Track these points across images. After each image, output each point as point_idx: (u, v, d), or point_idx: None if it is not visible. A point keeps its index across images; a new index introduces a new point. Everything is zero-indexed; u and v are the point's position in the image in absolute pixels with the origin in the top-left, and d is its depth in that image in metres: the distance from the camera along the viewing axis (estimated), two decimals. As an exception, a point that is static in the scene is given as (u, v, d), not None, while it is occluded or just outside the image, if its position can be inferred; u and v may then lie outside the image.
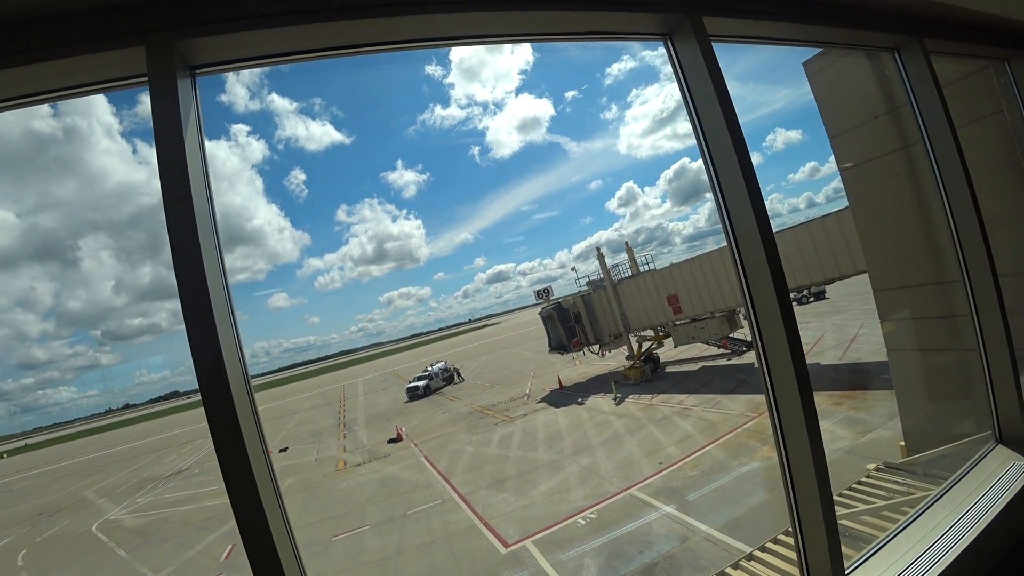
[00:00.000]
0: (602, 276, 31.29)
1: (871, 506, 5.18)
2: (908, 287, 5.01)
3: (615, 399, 25.19)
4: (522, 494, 15.95)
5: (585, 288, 33.29)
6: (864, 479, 5.88)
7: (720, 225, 2.40)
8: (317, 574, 13.37)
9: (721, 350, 28.33)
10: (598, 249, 31.68)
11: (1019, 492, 2.81)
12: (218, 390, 1.48)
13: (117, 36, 1.58)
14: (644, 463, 16.26)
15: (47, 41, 1.56)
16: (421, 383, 41.33)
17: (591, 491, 15.03)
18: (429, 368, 45.86)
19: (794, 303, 36.94)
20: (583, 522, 13.18)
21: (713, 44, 2.36)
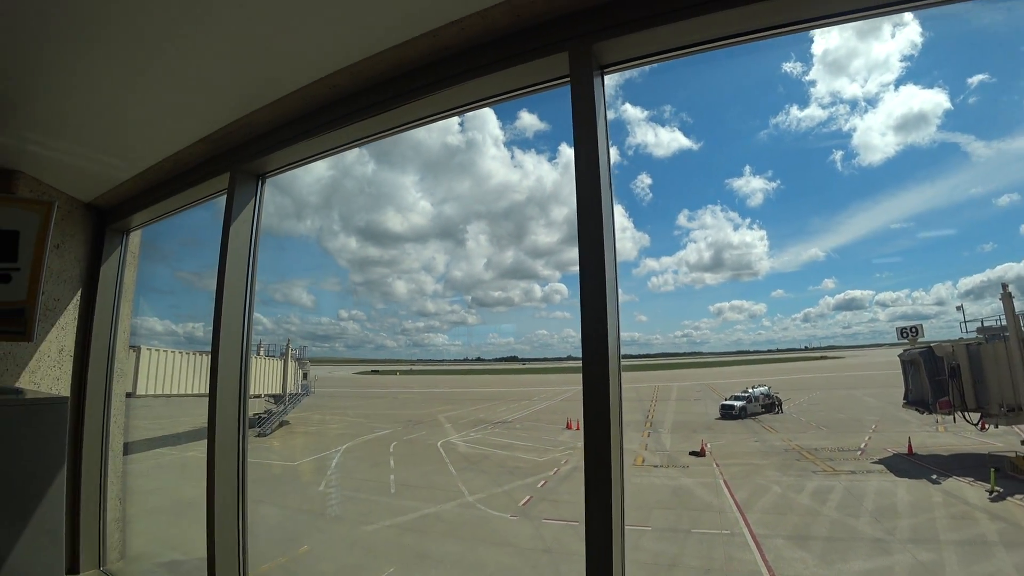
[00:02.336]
0: (1005, 323, 23.77)
1: None
2: None
3: (991, 493, 19.16)
4: (827, 562, 13.93)
5: (974, 335, 25.85)
6: None
7: None
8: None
9: None
10: (1004, 286, 24.14)
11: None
12: (599, 365, 1.79)
13: (547, 45, 2.00)
14: (1017, 591, 12.34)
15: (499, 55, 2.14)
16: (738, 403, 39.06)
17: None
18: (750, 390, 42.85)
19: None
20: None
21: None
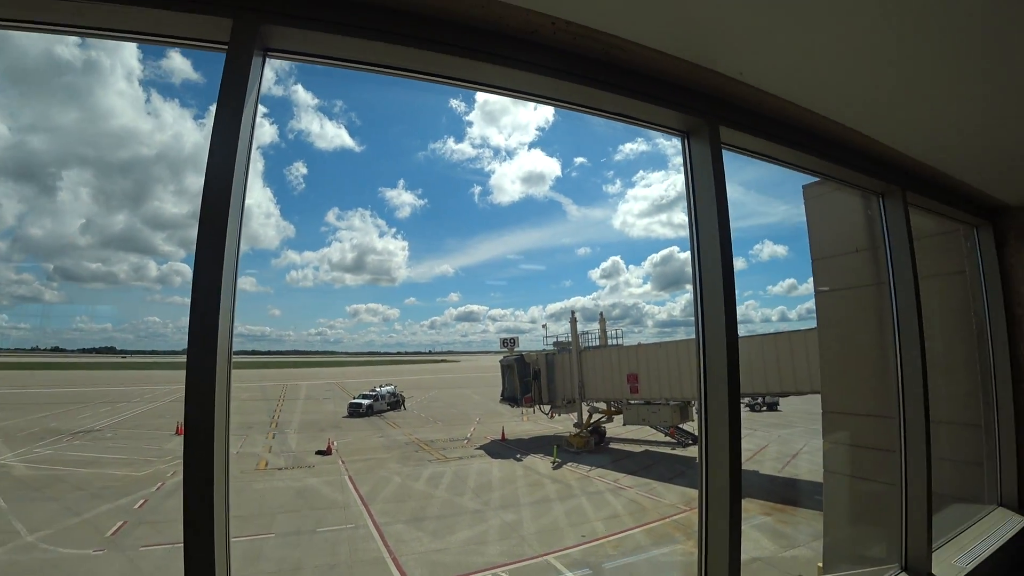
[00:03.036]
0: (570, 340, 31.49)
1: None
2: (852, 414, 5.19)
3: (554, 463, 24.89)
4: (439, 537, 15.48)
5: (551, 348, 33.36)
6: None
7: (693, 318, 2.53)
8: None
9: (668, 438, 28.43)
10: (572, 313, 32.10)
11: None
12: (206, 364, 1.50)
13: (214, 3, 1.67)
14: (568, 532, 15.99)
15: None
16: (365, 402, 40.35)
17: (508, 549, 14.67)
18: (377, 389, 44.91)
19: (748, 408, 37.48)
20: (492, 580, 12.82)
21: (724, 151, 2.55)
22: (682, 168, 2.65)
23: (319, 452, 25.89)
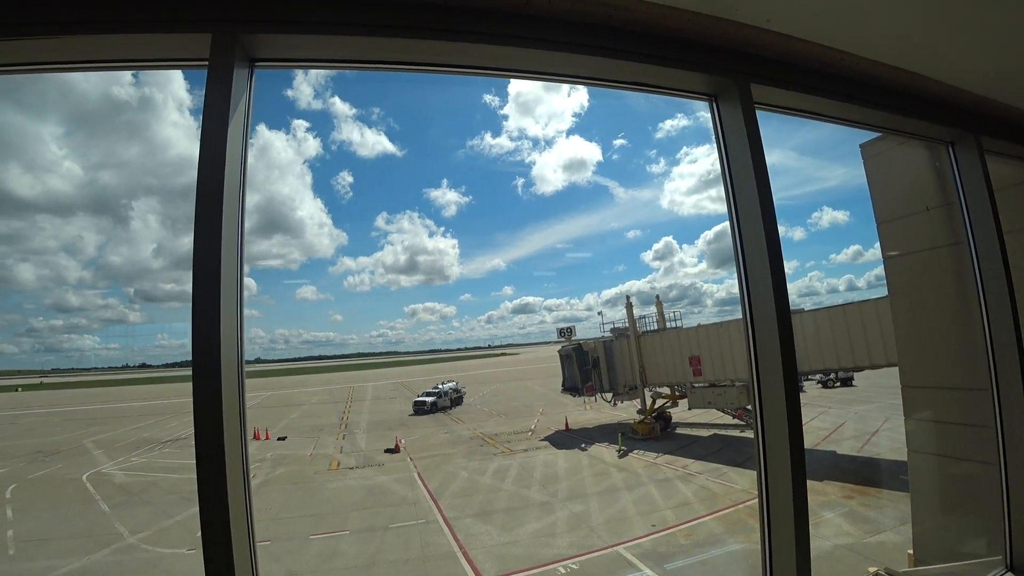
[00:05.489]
0: (628, 325, 30.90)
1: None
2: (937, 388, 4.79)
3: (619, 451, 24.56)
4: (507, 530, 15.57)
5: (608, 334, 32.84)
6: (860, 583, 5.54)
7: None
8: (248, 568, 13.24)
9: (736, 420, 27.50)
10: (628, 298, 31.39)
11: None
12: (209, 373, 1.48)
13: (187, 21, 1.66)
14: (637, 522, 15.73)
15: (121, 16, 1.65)
16: (429, 399, 41.15)
17: (577, 540, 14.58)
18: (440, 386, 45.68)
19: (820, 385, 35.64)
20: (563, 571, 12.76)
21: (759, 111, 2.34)
22: (714, 137, 2.45)
23: (388, 450, 26.59)
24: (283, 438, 30.60)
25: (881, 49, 2.49)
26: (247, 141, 1.74)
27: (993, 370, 3.21)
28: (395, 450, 26.43)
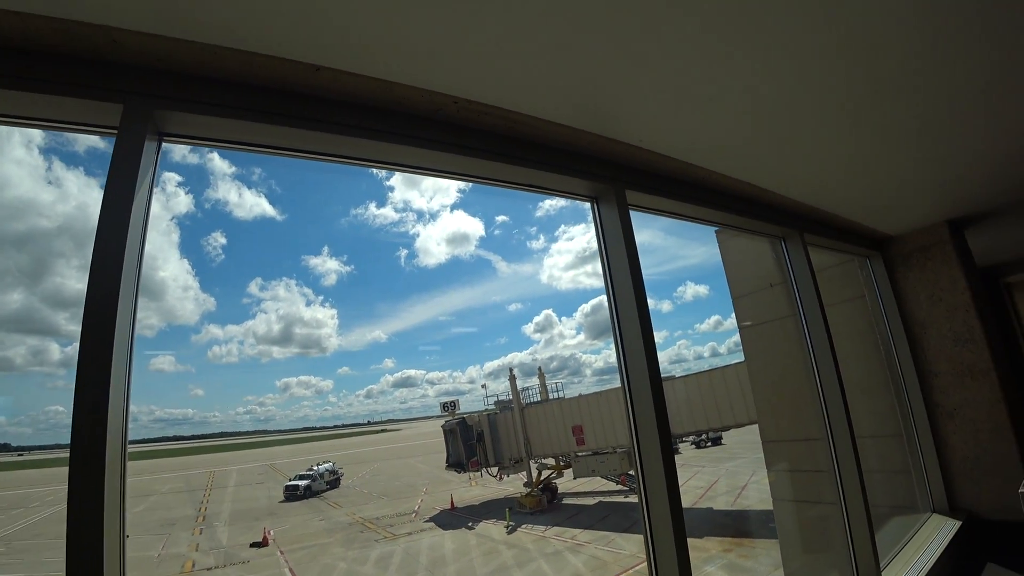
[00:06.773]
0: (511, 397, 31.10)
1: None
2: (791, 441, 5.45)
3: (508, 527, 24.04)
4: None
5: (492, 407, 32.73)
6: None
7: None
8: None
9: (620, 486, 28.26)
10: (511, 370, 31.68)
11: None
12: (93, 456, 1.34)
13: (100, 88, 1.62)
14: (527, 601, 15.33)
15: (40, 75, 1.60)
16: (302, 483, 37.84)
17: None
18: (314, 467, 42.34)
19: (693, 445, 37.79)
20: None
21: (632, 212, 2.75)
22: (595, 231, 2.81)
23: (254, 544, 23.77)
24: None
25: (728, 164, 3.05)
26: (148, 215, 1.70)
27: (827, 422, 3.81)
28: (263, 543, 23.71)
